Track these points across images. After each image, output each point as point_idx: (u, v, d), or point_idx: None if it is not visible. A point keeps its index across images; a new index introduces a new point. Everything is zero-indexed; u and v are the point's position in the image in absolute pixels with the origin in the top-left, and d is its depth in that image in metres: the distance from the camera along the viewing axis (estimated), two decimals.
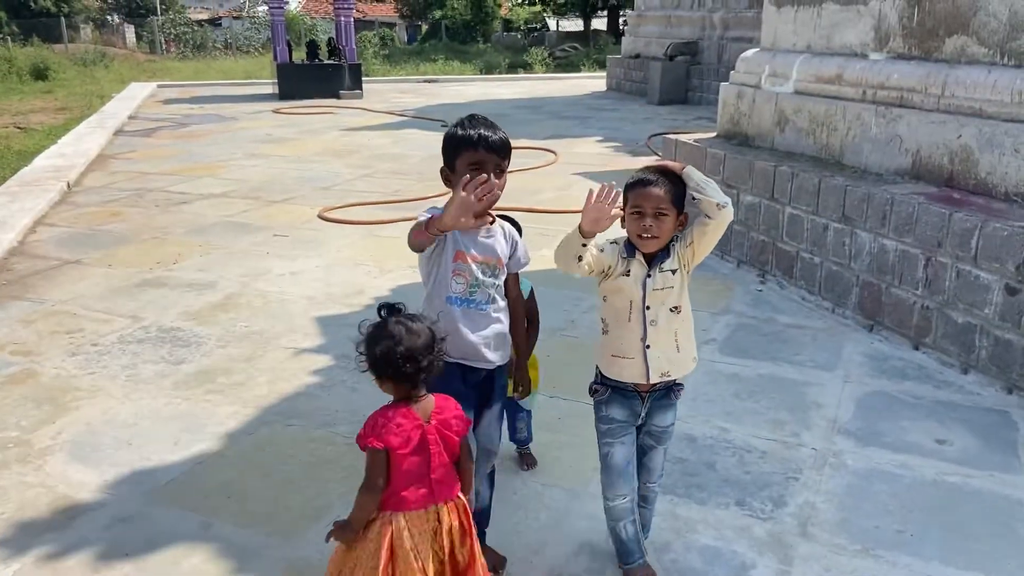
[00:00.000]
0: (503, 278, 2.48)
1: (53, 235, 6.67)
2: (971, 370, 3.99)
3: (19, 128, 12.93)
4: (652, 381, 2.44)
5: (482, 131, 2.36)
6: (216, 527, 2.88)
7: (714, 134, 6.49)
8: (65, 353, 4.35)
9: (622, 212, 2.24)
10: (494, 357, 2.45)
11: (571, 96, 17.74)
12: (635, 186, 2.35)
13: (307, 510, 2.95)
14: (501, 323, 2.46)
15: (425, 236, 2.28)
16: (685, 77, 15.88)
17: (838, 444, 3.43)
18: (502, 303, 2.48)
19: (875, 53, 5.09)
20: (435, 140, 12.75)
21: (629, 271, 2.38)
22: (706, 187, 2.33)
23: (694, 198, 2.34)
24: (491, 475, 2.66)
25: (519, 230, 2.64)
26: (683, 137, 6.47)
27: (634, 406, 2.48)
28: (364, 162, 9.75)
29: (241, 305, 5.06)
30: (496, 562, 2.61)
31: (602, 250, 2.39)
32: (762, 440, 3.45)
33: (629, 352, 2.42)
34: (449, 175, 2.42)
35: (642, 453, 2.60)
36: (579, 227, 2.24)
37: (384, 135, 11.83)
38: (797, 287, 5.09)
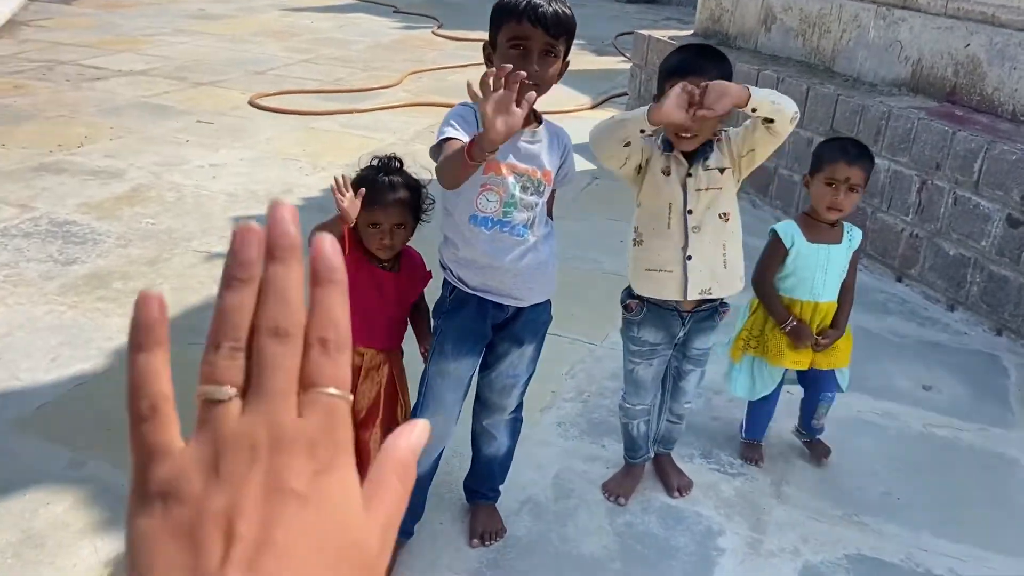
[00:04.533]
0: (548, 194, 1.96)
1: None
2: (958, 307, 3.64)
3: None
4: (691, 298, 2.09)
5: None
6: (90, 467, 2.40)
7: (691, 32, 5.91)
8: None
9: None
10: (527, 294, 1.98)
11: None
12: (676, 73, 1.96)
13: None
14: (540, 252, 1.96)
15: (471, 168, 1.66)
16: None
17: None
18: (545, 228, 1.98)
19: None
20: (385, 27, 11.75)
21: (669, 168, 2.05)
22: (780, 100, 1.91)
23: (767, 121, 1.92)
24: (514, 422, 2.20)
25: None
26: (656, 34, 5.87)
27: (672, 327, 2.18)
28: (305, 46, 8.91)
29: (150, 199, 4.44)
30: (492, 529, 2.23)
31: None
32: None
33: (667, 264, 2.09)
34: (491, 53, 1.87)
35: (677, 375, 2.31)
36: (647, 113, 1.85)
37: (329, 18, 10.89)
38: (772, 206, 4.66)
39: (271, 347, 0.36)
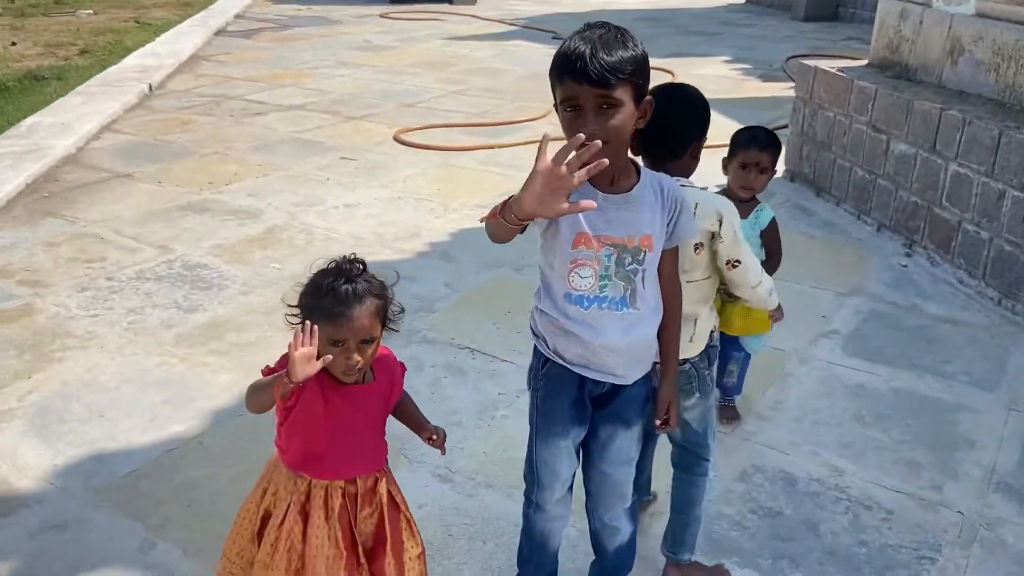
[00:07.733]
0: (653, 262, 1.72)
1: (114, 143, 6.23)
2: None
3: (137, 23, 12.68)
4: None
5: (582, 47, 1.52)
6: (159, 550, 2.30)
7: (865, 62, 5.29)
8: (74, 288, 3.85)
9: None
10: (626, 371, 1.79)
11: (704, 8, 16.08)
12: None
13: None
14: (643, 327, 1.76)
15: (504, 228, 1.55)
16: None
17: (995, 508, 2.51)
18: (650, 301, 1.75)
19: None
20: (541, 54, 11.62)
21: None
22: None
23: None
24: (632, 509, 1.98)
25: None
26: (824, 64, 5.30)
27: None
28: (458, 76, 8.90)
29: (281, 241, 4.44)
30: None
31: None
32: (889, 492, 2.57)
33: None
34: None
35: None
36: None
37: (488, 46, 10.90)
38: (954, 266, 4.01)
39: None
